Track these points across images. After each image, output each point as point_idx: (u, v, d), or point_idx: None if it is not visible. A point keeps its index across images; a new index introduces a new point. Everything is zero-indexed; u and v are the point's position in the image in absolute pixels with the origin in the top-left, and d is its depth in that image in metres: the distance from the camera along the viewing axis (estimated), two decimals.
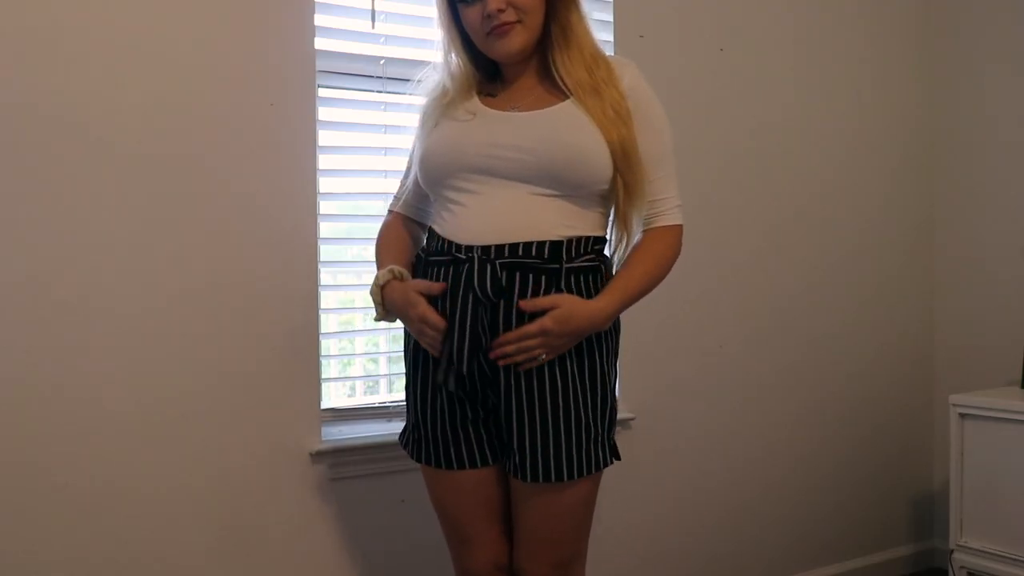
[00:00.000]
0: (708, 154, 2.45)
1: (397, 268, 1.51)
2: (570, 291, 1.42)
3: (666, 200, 1.50)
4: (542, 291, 1.40)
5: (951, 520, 2.47)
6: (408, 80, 1.97)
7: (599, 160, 1.42)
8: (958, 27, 2.88)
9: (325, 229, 1.98)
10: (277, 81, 1.84)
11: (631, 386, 2.31)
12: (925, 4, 2.93)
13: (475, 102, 1.52)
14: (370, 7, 1.99)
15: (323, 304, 1.96)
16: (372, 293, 1.51)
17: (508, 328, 1.40)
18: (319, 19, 1.91)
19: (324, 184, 1.95)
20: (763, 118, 2.57)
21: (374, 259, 1.61)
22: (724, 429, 2.51)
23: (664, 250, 1.50)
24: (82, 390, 1.67)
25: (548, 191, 1.42)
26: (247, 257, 1.82)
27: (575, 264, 1.43)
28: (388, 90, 2.03)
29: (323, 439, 1.91)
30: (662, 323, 2.35)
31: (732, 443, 2.53)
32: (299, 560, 1.89)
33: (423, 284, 1.44)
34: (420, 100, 1.63)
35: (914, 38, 2.91)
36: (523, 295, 1.40)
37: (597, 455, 1.44)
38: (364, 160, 2.05)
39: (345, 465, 1.93)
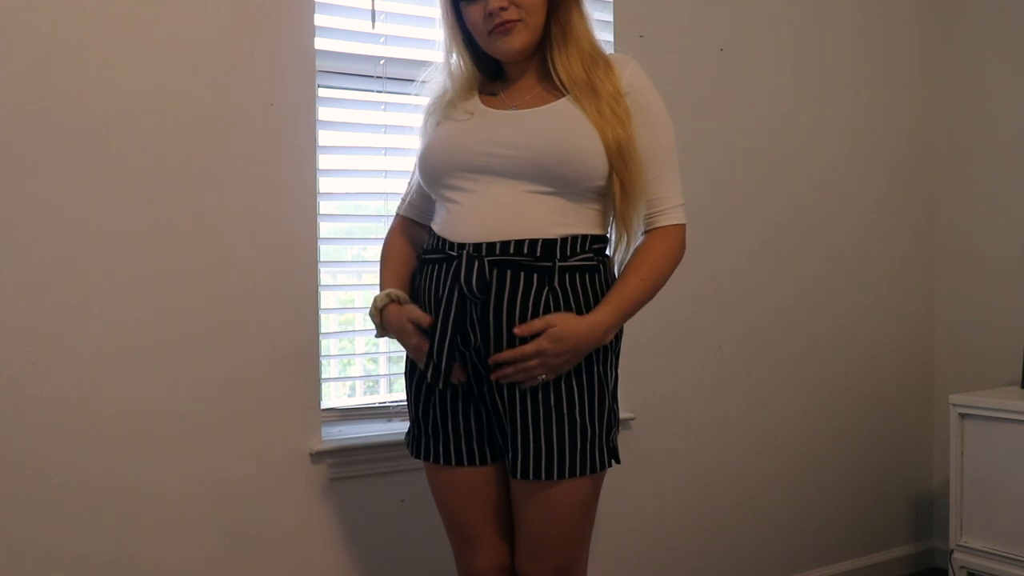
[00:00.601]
0: (708, 154, 2.45)
1: (395, 292, 1.53)
2: (564, 291, 1.41)
3: (667, 199, 1.49)
4: (533, 290, 1.40)
5: (951, 520, 2.47)
6: (408, 80, 1.98)
7: (593, 156, 1.41)
8: (958, 27, 2.89)
9: (325, 229, 1.98)
10: (277, 81, 1.84)
11: (631, 386, 2.31)
12: (925, 4, 2.93)
13: (475, 102, 1.53)
14: (370, 7, 1.99)
15: (323, 304, 1.96)
16: (371, 315, 1.55)
17: (498, 327, 1.40)
18: (319, 19, 1.91)
19: (324, 184, 1.95)
20: (763, 118, 2.57)
21: (379, 263, 1.64)
22: (724, 429, 2.51)
23: (663, 253, 1.48)
24: (82, 387, 1.67)
25: (542, 188, 1.42)
26: (247, 257, 1.82)
27: (569, 263, 1.42)
28: (388, 90, 2.03)
29: (323, 439, 1.91)
30: (662, 323, 2.35)
31: (732, 443, 2.53)
32: (299, 560, 1.89)
33: (416, 313, 1.46)
34: (422, 100, 1.63)
35: (914, 38, 2.91)
36: (513, 293, 1.39)
37: (593, 457, 1.43)
38: (364, 160, 2.05)
39: (345, 465, 1.93)
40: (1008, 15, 2.74)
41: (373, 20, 1.99)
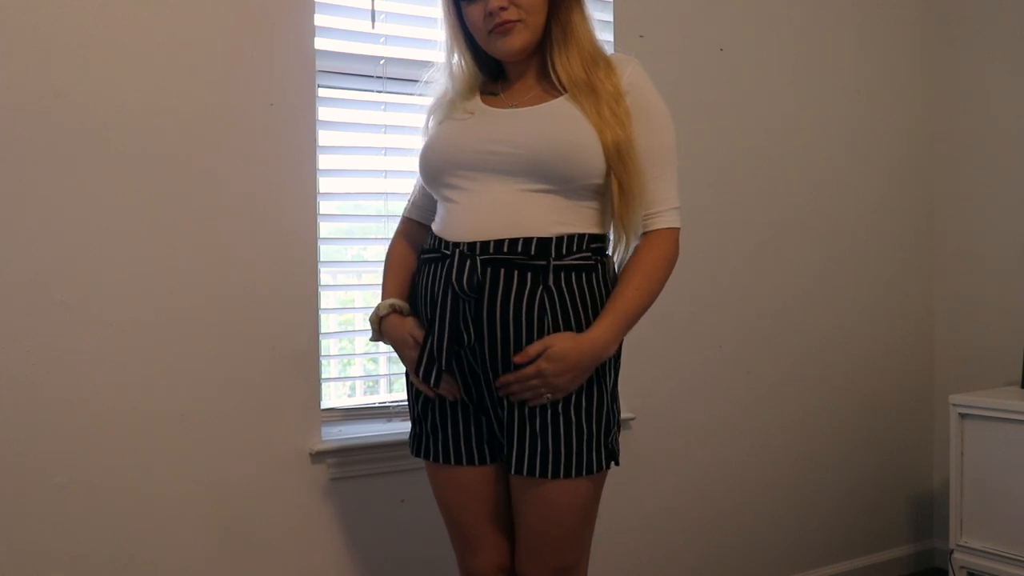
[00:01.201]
0: (708, 154, 2.45)
1: (398, 302, 1.55)
2: (559, 289, 1.40)
3: (662, 201, 1.47)
4: (527, 288, 1.39)
5: (951, 520, 2.47)
6: (408, 80, 1.99)
7: (590, 154, 1.40)
8: (958, 27, 2.89)
9: (325, 229, 1.98)
10: (277, 81, 1.84)
11: (631, 386, 2.30)
12: (925, 4, 2.93)
13: (476, 101, 1.53)
14: (370, 7, 1.99)
15: (323, 304, 1.96)
16: (371, 320, 1.56)
17: (492, 325, 1.40)
18: (319, 19, 1.91)
19: (324, 184, 1.95)
20: (763, 118, 2.57)
21: (382, 265, 1.66)
22: (724, 429, 2.51)
23: (657, 259, 1.46)
24: (82, 387, 1.67)
25: (538, 186, 1.41)
26: (247, 257, 1.82)
27: (565, 261, 1.41)
28: (388, 90, 2.03)
29: (323, 439, 1.91)
30: (662, 323, 2.35)
31: (732, 443, 2.53)
32: (299, 560, 1.89)
33: (417, 329, 1.48)
34: (423, 100, 1.64)
35: (914, 38, 2.91)
36: (507, 292, 1.39)
37: (591, 458, 1.42)
38: (364, 160, 2.05)
39: (345, 465, 1.93)
40: (1008, 15, 2.74)
41: (373, 20, 1.99)
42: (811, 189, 2.68)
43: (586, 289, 1.43)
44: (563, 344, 1.37)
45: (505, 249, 1.40)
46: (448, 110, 1.53)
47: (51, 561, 1.65)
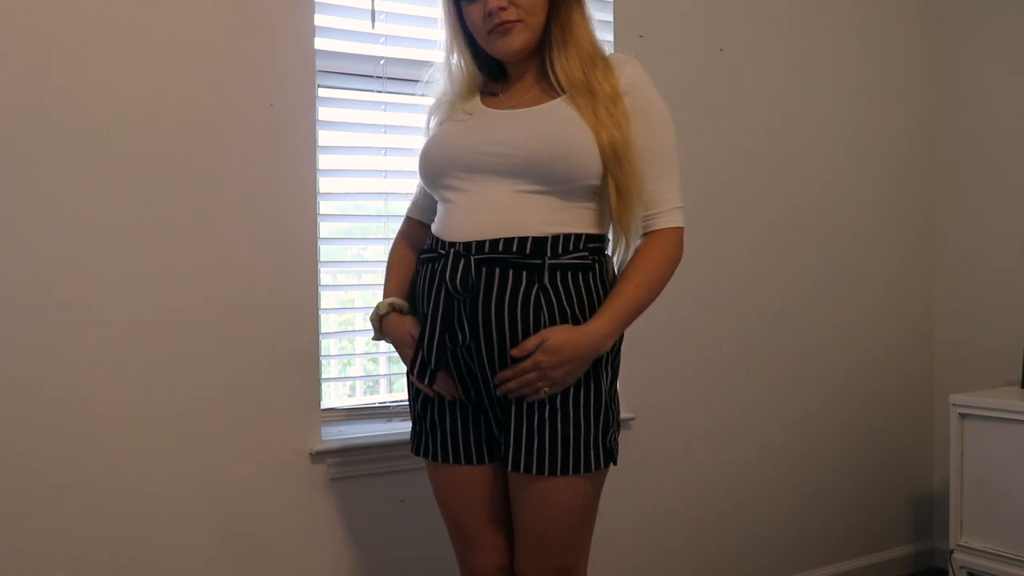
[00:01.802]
0: (708, 154, 2.45)
1: (398, 301, 1.56)
2: (555, 288, 1.40)
3: (664, 201, 1.47)
4: (523, 287, 1.39)
5: (951, 520, 2.47)
6: (408, 80, 1.99)
7: (586, 155, 1.40)
8: (958, 27, 2.89)
9: (325, 229, 1.98)
10: (277, 81, 1.84)
11: (631, 386, 2.31)
12: (925, 4, 2.93)
13: (475, 102, 1.53)
14: (370, 7, 1.99)
15: (323, 304, 1.96)
16: (372, 319, 1.58)
17: (487, 324, 1.40)
18: (319, 19, 1.91)
19: (324, 184, 1.95)
20: (763, 118, 2.57)
21: (384, 264, 1.68)
22: (724, 429, 2.51)
23: (659, 258, 1.46)
24: (82, 387, 1.67)
25: (534, 187, 1.41)
26: (247, 257, 1.82)
27: (561, 261, 1.41)
28: (388, 90, 2.03)
29: (323, 439, 1.91)
30: (662, 323, 2.35)
31: (732, 443, 2.53)
32: (299, 560, 1.89)
33: (416, 327, 1.49)
34: (422, 100, 1.64)
35: (914, 38, 2.91)
36: (501, 291, 1.39)
37: (588, 456, 1.42)
38: (364, 160, 2.05)
39: (345, 465, 1.93)
40: (1008, 15, 2.74)
41: (373, 20, 1.99)
42: (811, 189, 2.68)
43: (583, 288, 1.43)
44: (560, 337, 1.37)
45: (500, 248, 1.40)
46: (448, 111, 1.54)
47: (51, 561, 1.65)
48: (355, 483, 1.94)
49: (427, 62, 1.65)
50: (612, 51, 1.94)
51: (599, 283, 1.46)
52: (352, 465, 1.93)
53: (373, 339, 1.60)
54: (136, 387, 1.72)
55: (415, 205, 1.68)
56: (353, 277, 2.13)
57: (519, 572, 1.51)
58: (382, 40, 2.03)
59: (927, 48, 2.93)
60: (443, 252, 1.44)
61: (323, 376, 1.95)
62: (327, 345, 2.00)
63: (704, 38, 2.46)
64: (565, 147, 1.40)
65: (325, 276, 1.98)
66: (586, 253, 1.44)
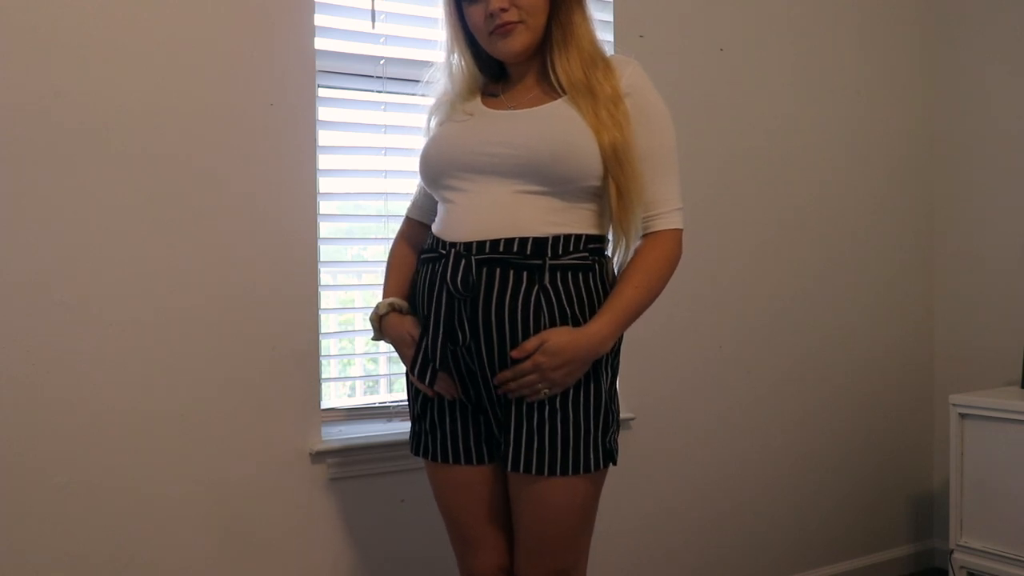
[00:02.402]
0: (708, 154, 2.45)
1: (397, 301, 1.56)
2: (556, 289, 1.40)
3: (664, 202, 1.46)
4: (523, 288, 1.39)
5: (951, 520, 2.47)
6: (408, 80, 1.99)
7: (586, 155, 1.40)
8: (958, 27, 2.89)
9: (325, 229, 1.98)
10: (277, 81, 1.84)
11: (631, 386, 2.31)
12: (925, 4, 2.93)
13: (475, 103, 1.53)
14: (370, 7, 1.99)
15: (323, 304, 1.96)
16: (371, 319, 1.58)
17: (487, 324, 1.40)
18: (319, 19, 1.91)
19: (324, 184, 1.95)
20: (763, 118, 2.57)
21: (384, 265, 1.68)
22: (724, 429, 2.51)
23: (658, 259, 1.46)
24: (82, 387, 1.67)
25: (534, 187, 1.41)
26: (247, 257, 1.82)
27: (561, 261, 1.41)
28: (388, 90, 2.03)
29: (323, 439, 1.91)
30: (662, 323, 2.35)
31: (732, 443, 2.53)
32: (299, 560, 1.89)
33: (416, 328, 1.49)
34: (422, 100, 1.64)
35: (914, 38, 2.91)
36: (502, 291, 1.39)
37: (587, 456, 1.41)
38: (364, 160, 2.05)
39: (345, 465, 1.93)
40: (1008, 15, 2.74)
41: (373, 20, 1.99)
42: (811, 189, 2.68)
43: (583, 288, 1.43)
44: (559, 338, 1.37)
45: (501, 249, 1.40)
46: (448, 111, 1.54)
47: (51, 561, 1.65)
48: (355, 483, 1.94)
49: (427, 62, 1.65)
50: (612, 51, 1.95)
51: (599, 284, 1.46)
52: (352, 465, 1.93)
53: (372, 339, 1.60)
54: (136, 387, 1.72)
55: (415, 205, 1.68)
56: (353, 277, 2.13)
57: (518, 573, 1.51)
58: (382, 40, 2.03)
59: (927, 48, 2.93)
60: (444, 252, 1.44)
61: (323, 376, 1.95)
62: (327, 345, 2.00)
63: (704, 38, 2.46)
64: (566, 147, 1.40)
65: (325, 276, 1.98)
66: (586, 254, 1.44)
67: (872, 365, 2.82)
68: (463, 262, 1.40)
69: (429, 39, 1.93)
